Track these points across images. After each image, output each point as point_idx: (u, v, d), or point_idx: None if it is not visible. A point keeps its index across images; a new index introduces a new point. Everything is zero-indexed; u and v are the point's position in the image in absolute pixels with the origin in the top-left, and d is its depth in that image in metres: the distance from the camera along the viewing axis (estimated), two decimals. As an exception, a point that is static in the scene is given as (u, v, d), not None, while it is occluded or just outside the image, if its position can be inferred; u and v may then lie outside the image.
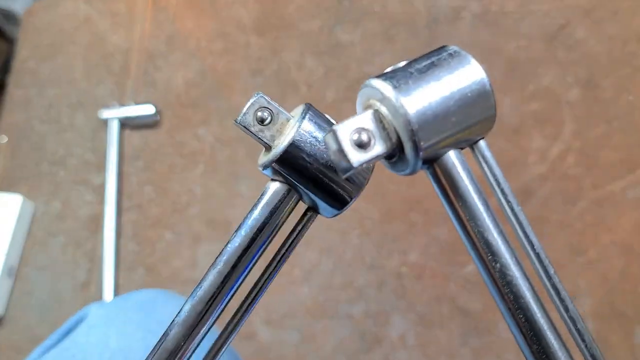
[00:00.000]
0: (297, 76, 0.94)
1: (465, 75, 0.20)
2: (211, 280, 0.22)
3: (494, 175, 0.21)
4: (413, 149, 0.19)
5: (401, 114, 0.19)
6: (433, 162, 0.20)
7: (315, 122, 0.23)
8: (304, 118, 0.23)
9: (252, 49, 0.97)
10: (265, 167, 0.23)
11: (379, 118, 0.20)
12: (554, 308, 0.21)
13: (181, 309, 0.22)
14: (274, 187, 0.23)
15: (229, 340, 0.24)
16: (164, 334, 0.22)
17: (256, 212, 0.23)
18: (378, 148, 0.19)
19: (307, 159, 0.22)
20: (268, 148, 0.23)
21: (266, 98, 0.23)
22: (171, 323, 0.22)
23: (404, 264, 0.81)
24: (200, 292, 0.22)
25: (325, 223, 0.84)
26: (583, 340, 0.20)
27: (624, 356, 0.73)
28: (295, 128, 0.22)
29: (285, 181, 0.23)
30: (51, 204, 0.92)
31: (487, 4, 0.92)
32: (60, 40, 1.03)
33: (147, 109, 0.92)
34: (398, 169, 0.21)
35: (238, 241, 0.22)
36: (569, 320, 0.21)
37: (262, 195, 0.23)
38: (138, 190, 0.91)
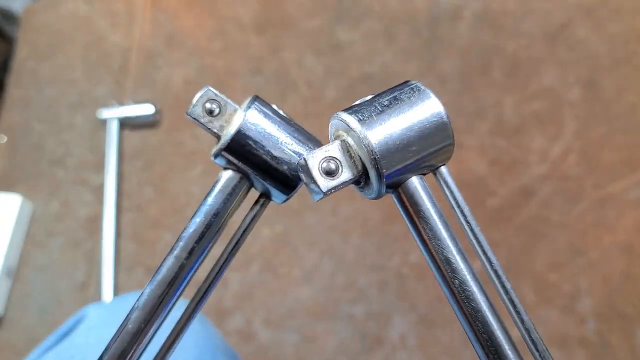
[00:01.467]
0: (297, 75, 0.93)
1: (425, 109, 0.22)
2: (169, 265, 0.23)
3: (454, 198, 0.23)
4: (377, 176, 0.22)
5: (365, 144, 0.21)
6: (397, 187, 0.23)
7: (261, 111, 0.24)
8: (249, 107, 0.24)
9: (252, 48, 0.97)
10: (215, 156, 0.24)
11: (346, 148, 0.22)
12: (511, 319, 0.23)
13: (142, 293, 0.23)
14: (227, 175, 0.24)
15: (191, 320, 0.24)
16: (125, 318, 0.22)
17: (210, 199, 0.24)
18: (345, 175, 0.22)
19: (254, 146, 0.23)
20: (218, 138, 0.24)
21: (214, 91, 0.24)
22: (132, 307, 0.22)
23: (406, 265, 0.80)
24: (158, 277, 0.23)
25: (327, 224, 0.84)
26: (537, 350, 0.22)
27: (625, 357, 0.73)
28: (241, 117, 0.23)
29: (237, 169, 0.24)
30: (50, 204, 0.92)
31: (488, 3, 0.92)
32: (59, 40, 1.03)
33: (147, 109, 0.92)
34: (365, 193, 0.24)
35: (193, 227, 0.23)
36: (524, 331, 0.22)
37: (216, 183, 0.24)
38: (137, 191, 0.91)
